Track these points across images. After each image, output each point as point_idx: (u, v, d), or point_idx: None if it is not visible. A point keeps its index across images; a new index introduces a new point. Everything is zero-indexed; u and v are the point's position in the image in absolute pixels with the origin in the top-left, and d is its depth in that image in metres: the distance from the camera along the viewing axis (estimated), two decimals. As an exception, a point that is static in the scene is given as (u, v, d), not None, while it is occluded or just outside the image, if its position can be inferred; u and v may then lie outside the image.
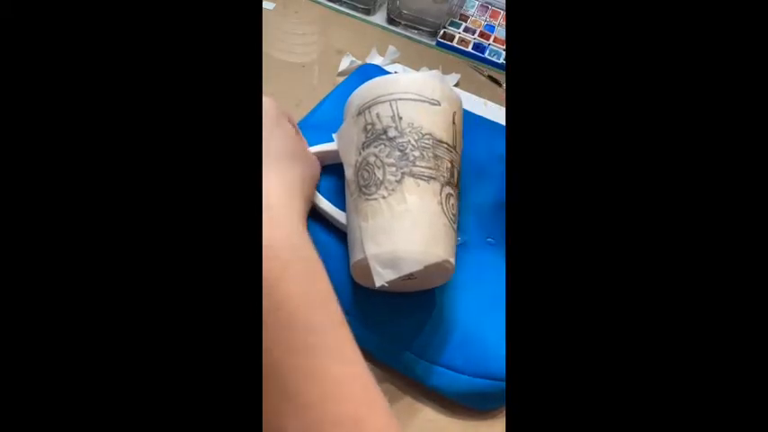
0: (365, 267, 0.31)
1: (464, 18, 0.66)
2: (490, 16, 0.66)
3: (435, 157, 0.33)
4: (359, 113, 0.35)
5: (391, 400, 0.37)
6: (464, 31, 0.64)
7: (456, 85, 0.58)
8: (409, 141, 0.33)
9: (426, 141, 0.33)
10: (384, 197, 0.32)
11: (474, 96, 0.57)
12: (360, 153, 0.34)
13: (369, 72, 0.50)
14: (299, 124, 0.39)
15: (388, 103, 0.34)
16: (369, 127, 0.34)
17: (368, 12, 0.64)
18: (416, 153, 0.33)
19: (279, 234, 0.28)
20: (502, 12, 0.67)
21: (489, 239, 0.41)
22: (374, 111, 0.34)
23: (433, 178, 0.33)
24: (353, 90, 0.36)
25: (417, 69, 0.58)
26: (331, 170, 0.39)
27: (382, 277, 0.30)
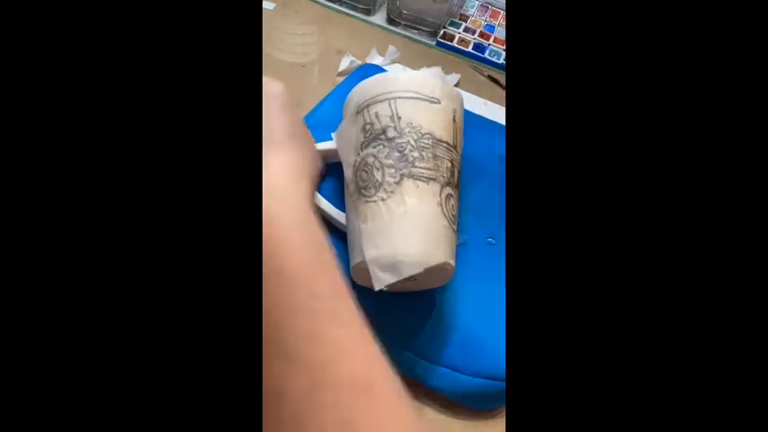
0: (364, 270, 0.31)
1: (464, 18, 0.66)
2: (490, 16, 0.66)
3: (435, 157, 0.33)
4: (357, 112, 0.35)
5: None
6: (464, 31, 0.64)
7: (456, 85, 0.58)
8: (408, 142, 0.32)
9: (426, 141, 0.33)
10: (383, 199, 0.32)
11: (474, 96, 0.57)
12: (358, 153, 0.34)
13: (369, 72, 0.50)
14: (299, 124, 0.39)
15: (387, 101, 0.33)
16: (367, 126, 0.34)
17: (368, 12, 0.64)
18: (416, 153, 0.32)
19: (284, 211, 0.29)
20: (502, 12, 0.67)
21: (489, 239, 0.41)
22: (373, 110, 0.34)
23: (433, 179, 0.32)
24: (353, 90, 0.36)
25: (417, 69, 0.58)
26: (331, 171, 0.39)
27: (381, 281, 0.30)
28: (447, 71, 0.59)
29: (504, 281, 0.36)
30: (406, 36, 0.62)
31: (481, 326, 0.37)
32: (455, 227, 0.34)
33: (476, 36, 0.63)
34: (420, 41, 0.62)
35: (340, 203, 0.37)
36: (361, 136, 0.34)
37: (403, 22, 0.62)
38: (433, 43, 0.62)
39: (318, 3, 0.64)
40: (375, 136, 0.33)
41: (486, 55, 0.62)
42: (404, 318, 0.37)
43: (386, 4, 0.63)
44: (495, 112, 0.55)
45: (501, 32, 0.64)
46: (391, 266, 0.30)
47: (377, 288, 0.30)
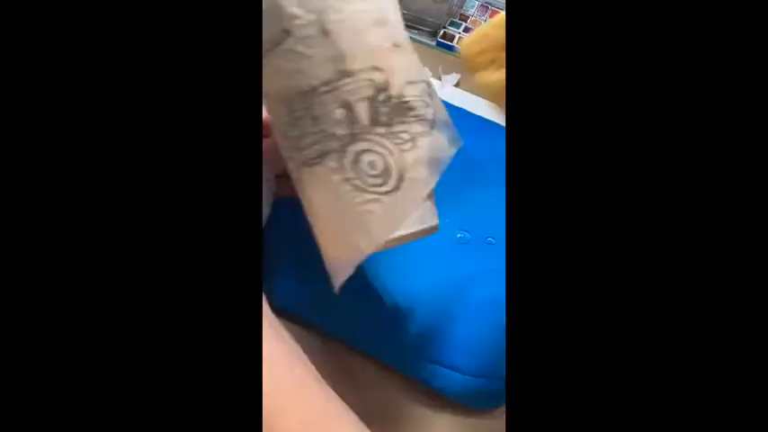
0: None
1: (464, 18, 0.66)
2: (490, 16, 0.66)
3: (314, 121, 0.25)
4: None
5: (391, 401, 0.37)
6: (464, 31, 0.64)
7: (456, 85, 0.58)
8: (285, 121, 0.26)
9: (297, 108, 0.26)
10: (303, 202, 0.28)
11: (474, 96, 0.57)
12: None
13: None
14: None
15: None
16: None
17: (368, 12, 0.63)
18: (296, 132, 0.26)
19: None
20: (502, 12, 0.67)
21: (489, 239, 0.41)
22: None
23: (326, 153, 0.26)
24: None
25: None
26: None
27: (334, 284, 0.28)
28: (447, 71, 0.59)
29: (503, 280, 0.36)
30: (405, 36, 0.62)
31: (481, 325, 0.37)
32: (381, 180, 0.26)
33: (476, 36, 0.63)
34: (420, 41, 0.62)
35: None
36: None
37: (403, 23, 0.62)
38: (433, 43, 0.62)
39: (318, 3, 0.64)
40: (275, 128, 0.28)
41: (486, 55, 0.62)
42: (403, 318, 0.37)
43: (386, 4, 0.63)
44: (495, 113, 0.55)
45: (501, 32, 0.64)
46: (331, 269, 0.28)
47: (335, 289, 0.28)
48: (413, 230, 0.27)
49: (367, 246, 0.26)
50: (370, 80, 0.26)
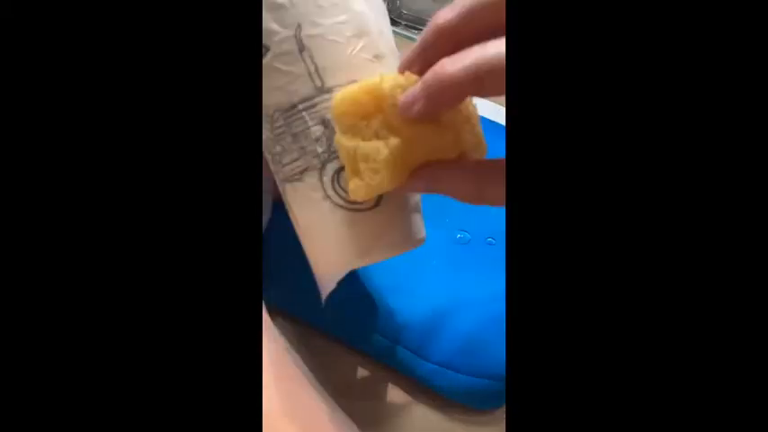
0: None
1: (464, 18, 0.65)
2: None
3: (294, 138, 0.25)
4: None
5: (391, 400, 0.37)
6: (464, 31, 0.64)
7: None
8: (268, 136, 0.26)
9: (278, 125, 0.26)
10: (290, 216, 0.28)
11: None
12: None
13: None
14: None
15: None
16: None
17: (368, 12, 0.64)
18: (278, 148, 0.26)
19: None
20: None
21: (489, 239, 0.41)
22: None
23: (305, 169, 0.26)
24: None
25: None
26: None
27: (321, 294, 0.28)
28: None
29: (503, 281, 0.36)
30: (405, 36, 0.62)
31: (481, 325, 0.37)
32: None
33: (476, 36, 0.63)
34: (420, 41, 0.62)
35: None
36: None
37: (403, 22, 0.62)
38: (433, 43, 0.62)
39: (318, 3, 0.64)
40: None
41: (487, 55, 0.62)
42: (404, 318, 0.37)
43: (386, 5, 0.63)
44: (496, 113, 0.55)
45: (501, 32, 0.64)
46: (319, 279, 0.29)
47: (322, 299, 0.29)
48: (393, 248, 0.27)
49: (347, 263, 0.26)
50: None
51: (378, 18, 0.27)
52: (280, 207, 0.33)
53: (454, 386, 0.36)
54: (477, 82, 0.21)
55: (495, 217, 0.41)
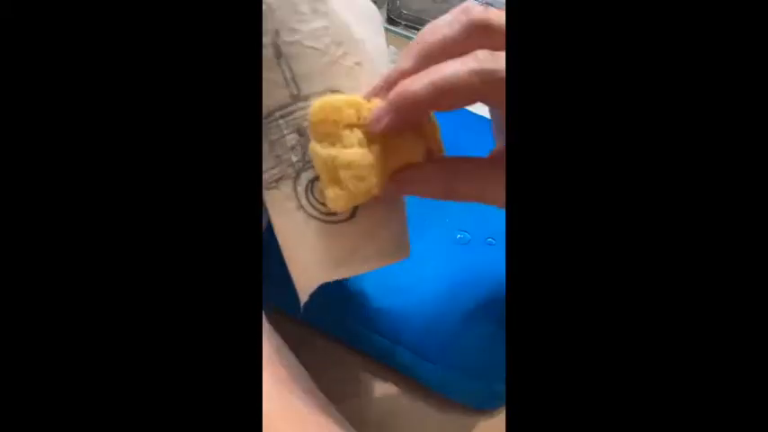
0: None
1: (464, 18, 0.65)
2: (490, 16, 0.66)
3: (271, 146, 0.25)
4: None
5: (391, 400, 0.37)
6: (464, 31, 0.64)
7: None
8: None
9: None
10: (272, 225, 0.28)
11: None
12: None
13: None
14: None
15: None
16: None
17: (368, 12, 0.64)
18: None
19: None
20: (502, 12, 0.67)
21: (489, 239, 0.41)
22: None
23: (280, 178, 0.25)
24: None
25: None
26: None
27: (301, 300, 0.28)
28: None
29: (504, 281, 0.36)
30: (405, 36, 0.62)
31: (481, 326, 0.37)
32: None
33: (476, 36, 0.63)
34: (420, 41, 0.62)
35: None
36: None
37: (403, 22, 0.62)
38: (433, 43, 0.62)
39: (318, 3, 0.64)
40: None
41: (486, 55, 0.62)
42: (404, 318, 0.37)
43: (386, 4, 0.63)
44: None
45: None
46: (297, 285, 0.28)
47: (302, 303, 0.28)
48: (369, 261, 0.26)
49: (321, 275, 0.26)
50: None
51: (360, 25, 0.26)
52: None
53: (454, 386, 0.36)
54: (436, 96, 0.23)
55: (495, 217, 0.41)
